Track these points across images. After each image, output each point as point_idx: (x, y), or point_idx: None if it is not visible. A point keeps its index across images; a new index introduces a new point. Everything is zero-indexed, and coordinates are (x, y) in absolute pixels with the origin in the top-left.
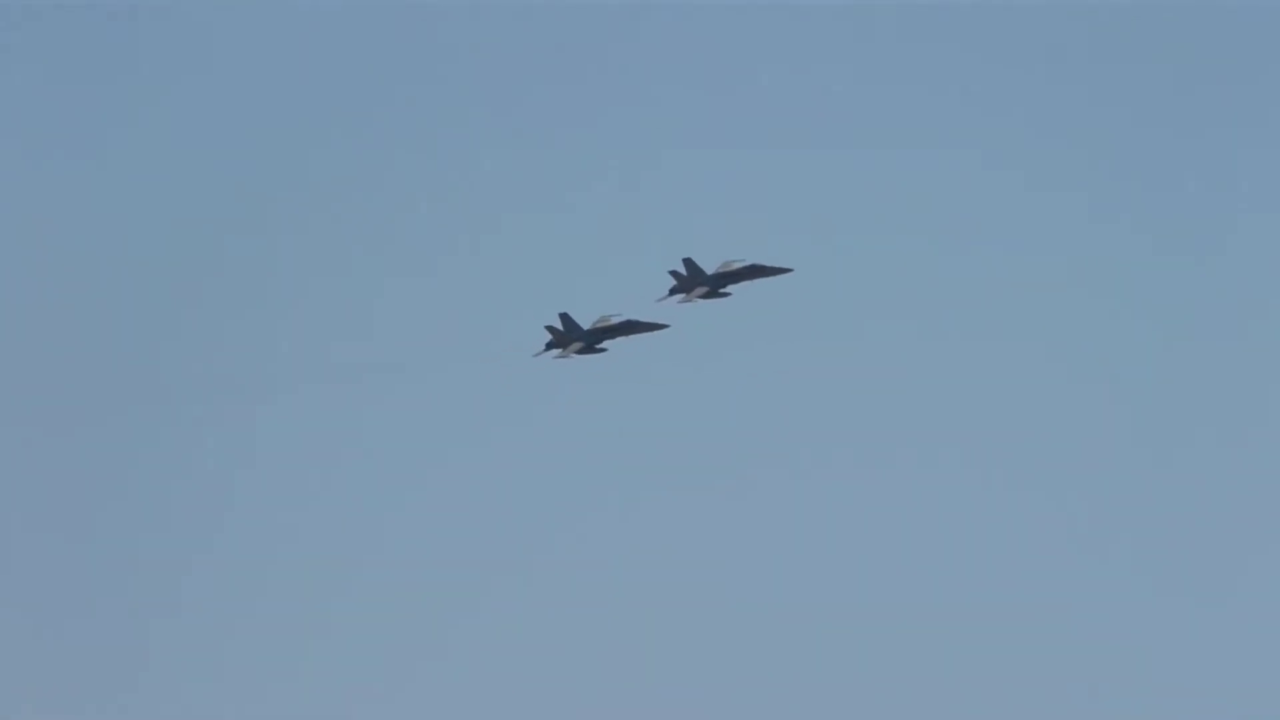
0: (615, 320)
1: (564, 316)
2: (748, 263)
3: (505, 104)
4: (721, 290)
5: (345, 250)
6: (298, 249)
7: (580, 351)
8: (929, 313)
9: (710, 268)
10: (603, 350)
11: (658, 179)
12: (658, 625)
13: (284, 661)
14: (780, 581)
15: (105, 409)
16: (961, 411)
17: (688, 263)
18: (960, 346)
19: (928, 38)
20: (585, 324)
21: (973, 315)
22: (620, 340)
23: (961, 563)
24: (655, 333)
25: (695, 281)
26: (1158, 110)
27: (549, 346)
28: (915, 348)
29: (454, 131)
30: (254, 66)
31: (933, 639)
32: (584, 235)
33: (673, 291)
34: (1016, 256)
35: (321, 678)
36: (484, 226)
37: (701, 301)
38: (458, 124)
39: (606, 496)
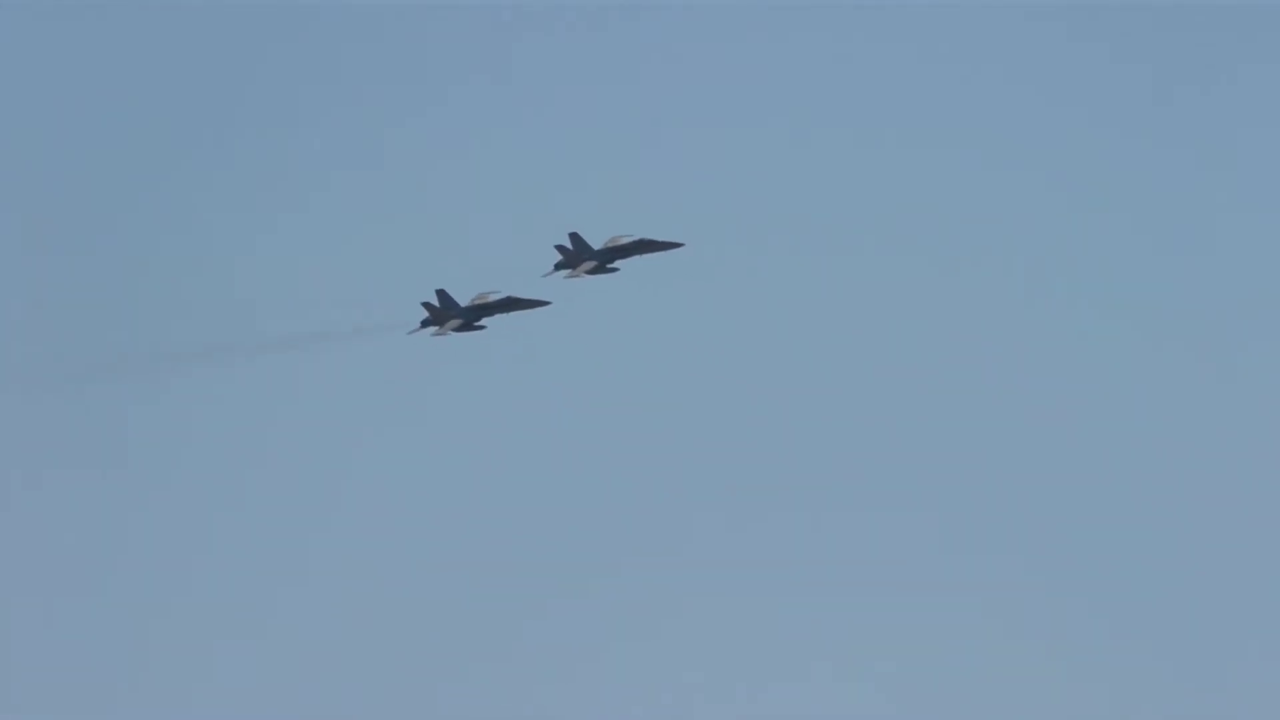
0: (494, 297)
1: (440, 293)
2: (636, 237)
3: (397, 65)
4: (609, 265)
5: (216, 212)
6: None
7: (458, 329)
8: (825, 281)
9: (598, 243)
10: (481, 328)
11: (543, 149)
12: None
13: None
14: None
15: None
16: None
17: (574, 237)
18: (845, 325)
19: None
20: (463, 301)
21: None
22: (500, 317)
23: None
24: (537, 309)
25: (582, 257)
26: (1153, 105)
27: (424, 324)
28: (806, 323)
29: (338, 85)
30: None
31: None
32: (462, 207)
33: (558, 267)
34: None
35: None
36: (358, 193)
37: (588, 277)
38: (346, 78)
39: (482, 482)
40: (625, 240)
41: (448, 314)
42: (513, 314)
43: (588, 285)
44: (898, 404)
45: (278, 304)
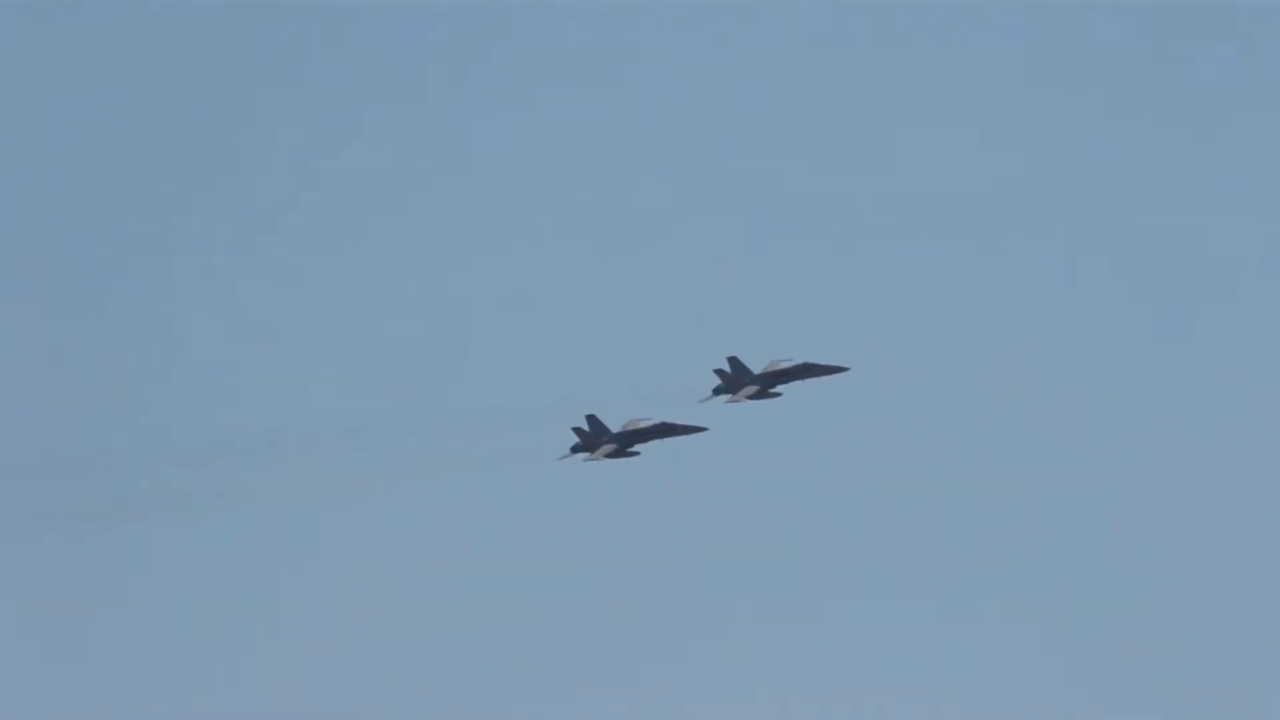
0: (646, 423)
1: (591, 418)
2: (799, 361)
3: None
4: (772, 390)
5: (363, 328)
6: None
7: (610, 455)
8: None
9: (758, 368)
10: (635, 454)
11: (695, 270)
12: None
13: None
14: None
15: None
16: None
17: (733, 361)
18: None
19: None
20: (614, 428)
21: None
22: (654, 444)
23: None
24: (693, 435)
25: (742, 381)
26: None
27: (574, 449)
28: (989, 458)
29: (474, 203)
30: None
31: None
32: (613, 331)
33: (717, 392)
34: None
35: None
36: (503, 318)
37: (749, 402)
38: (479, 195)
39: (636, 612)
40: (787, 364)
41: (599, 440)
42: (668, 440)
43: (748, 410)
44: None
45: (427, 423)
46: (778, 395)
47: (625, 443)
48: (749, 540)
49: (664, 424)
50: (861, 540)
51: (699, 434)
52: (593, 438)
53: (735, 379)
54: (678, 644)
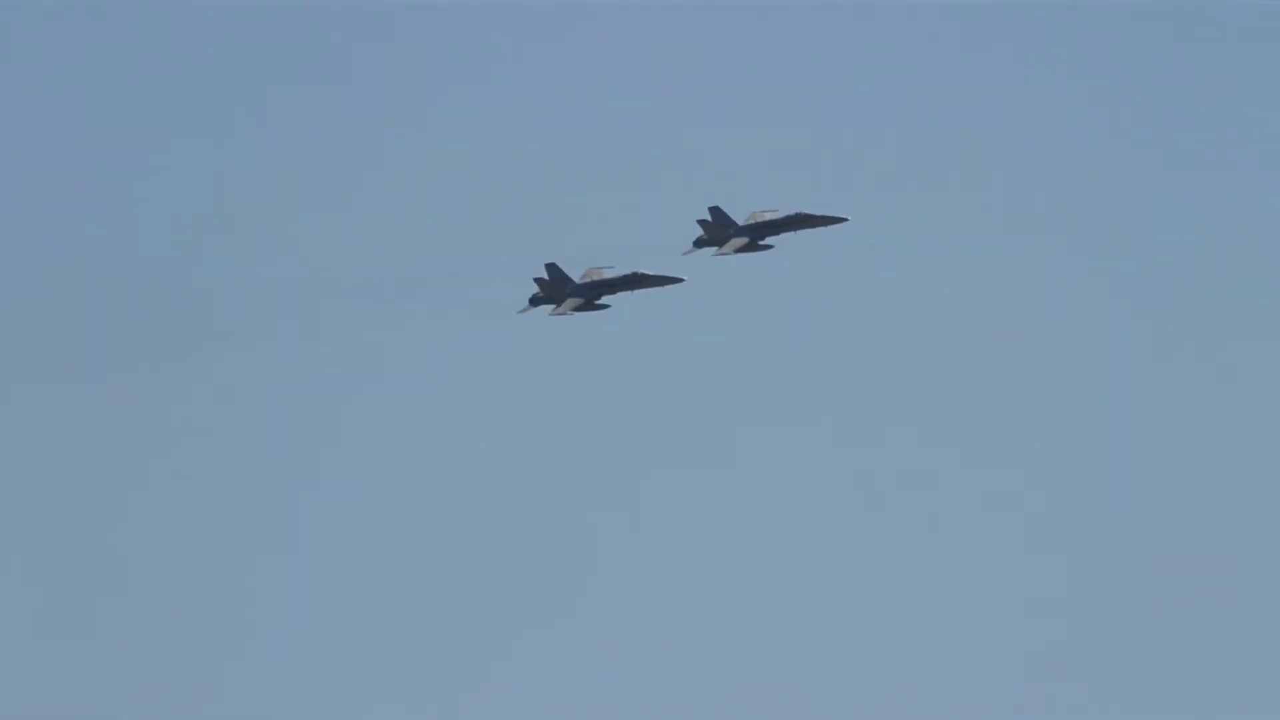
0: (610, 273)
1: (551, 267)
2: (791, 211)
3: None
4: (762, 242)
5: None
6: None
7: (578, 308)
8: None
9: (741, 218)
10: (605, 307)
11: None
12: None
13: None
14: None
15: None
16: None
17: (715, 211)
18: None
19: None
20: (574, 276)
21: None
22: (625, 296)
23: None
24: (669, 287)
25: (727, 233)
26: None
27: (534, 300)
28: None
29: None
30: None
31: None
32: (582, 178)
33: (699, 244)
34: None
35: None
36: (457, 162)
37: (739, 255)
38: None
39: (597, 486)
40: (775, 215)
41: (562, 291)
42: (641, 291)
43: (735, 263)
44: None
45: (377, 269)
46: (769, 248)
47: (593, 294)
48: (732, 408)
49: (636, 274)
50: (854, 417)
51: (675, 285)
52: (554, 288)
53: (719, 230)
54: (646, 522)
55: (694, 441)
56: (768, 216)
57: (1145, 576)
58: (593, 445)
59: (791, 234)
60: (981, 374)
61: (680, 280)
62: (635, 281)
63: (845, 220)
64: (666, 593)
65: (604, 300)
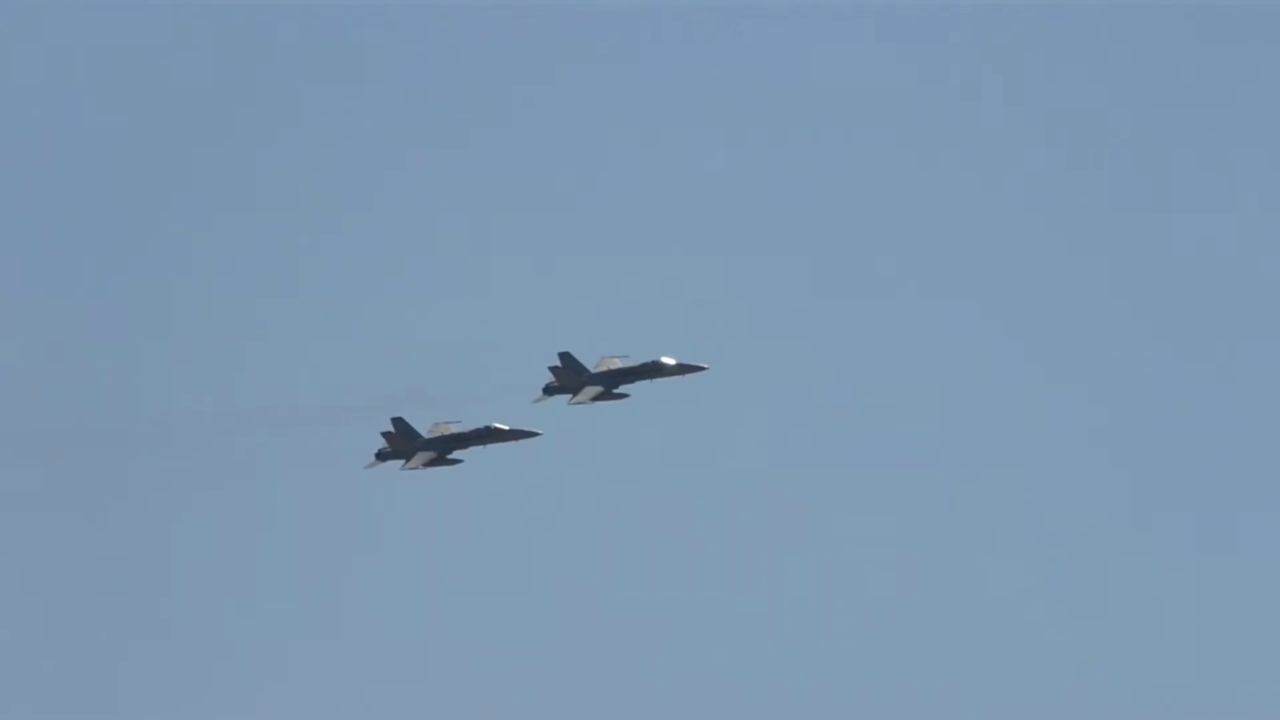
0: (458, 427)
1: (398, 421)
2: (647, 360)
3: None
4: (616, 391)
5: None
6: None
7: (430, 463)
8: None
9: (589, 364)
10: (457, 462)
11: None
12: None
13: None
14: None
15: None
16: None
17: (565, 357)
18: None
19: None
20: (422, 429)
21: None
22: (477, 450)
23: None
24: (523, 441)
25: (581, 380)
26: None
27: (381, 456)
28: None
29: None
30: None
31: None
32: (419, 318)
33: (549, 391)
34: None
35: None
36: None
37: (595, 404)
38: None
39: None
40: (627, 362)
41: (410, 445)
42: (495, 446)
43: (590, 413)
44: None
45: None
46: (624, 396)
47: (444, 448)
48: (593, 564)
49: (489, 428)
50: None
51: (531, 439)
52: (402, 442)
53: (571, 377)
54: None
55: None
56: (619, 364)
57: (1149, 576)
58: (443, 607)
59: (648, 382)
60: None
61: (536, 434)
62: (488, 436)
63: (704, 369)
64: None
65: (456, 455)
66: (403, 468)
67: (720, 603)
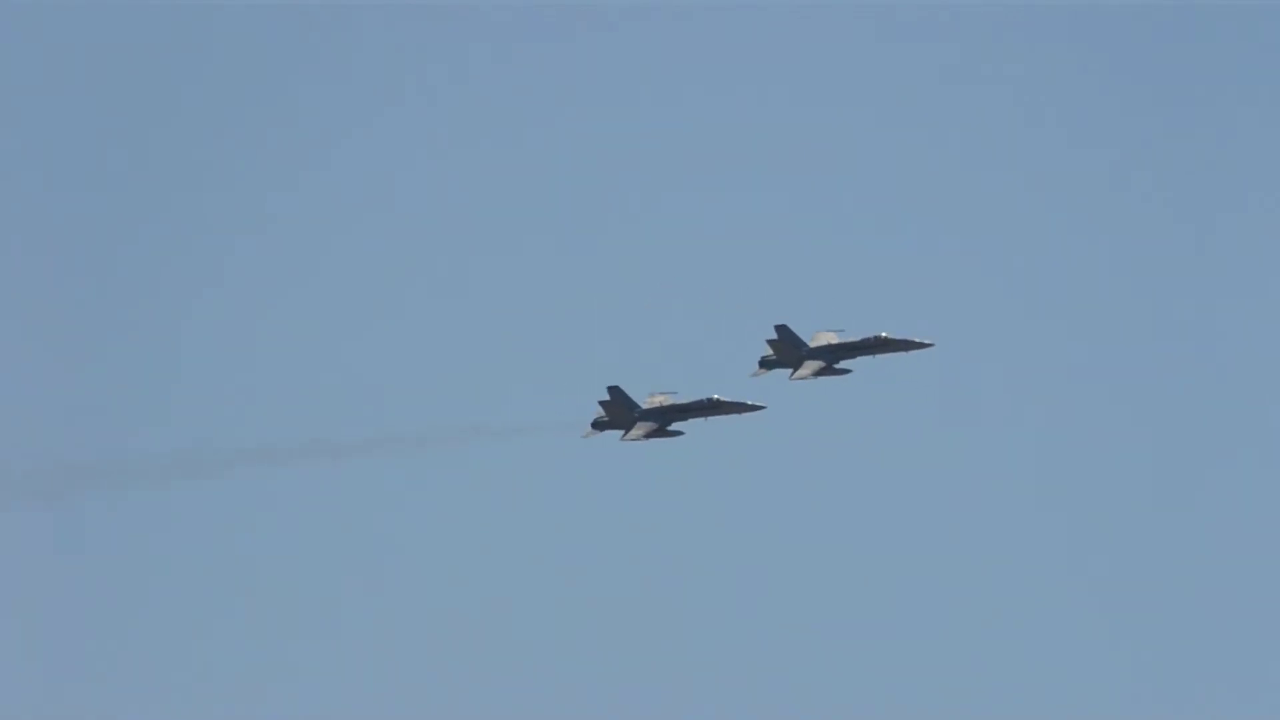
0: (676, 399)
1: (614, 390)
2: (872, 335)
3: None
4: (838, 366)
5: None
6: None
7: (650, 434)
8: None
9: (806, 337)
10: (677, 434)
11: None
12: None
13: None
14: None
15: None
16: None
17: (782, 330)
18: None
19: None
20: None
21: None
22: (697, 423)
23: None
24: (745, 414)
25: (800, 354)
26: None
27: (597, 425)
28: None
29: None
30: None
31: None
32: (639, 293)
33: (764, 365)
34: None
35: None
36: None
37: (817, 379)
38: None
39: (671, 619)
40: (844, 337)
41: (629, 415)
42: (715, 419)
43: (813, 389)
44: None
45: (433, 396)
46: (847, 372)
47: (664, 419)
48: (814, 541)
49: (711, 399)
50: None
51: (754, 413)
52: (620, 412)
53: (789, 351)
54: (718, 655)
55: (766, 582)
56: (836, 338)
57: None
58: (665, 578)
59: (870, 358)
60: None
61: (760, 407)
62: (710, 408)
63: (930, 345)
64: None
65: (676, 427)
66: (622, 438)
67: (943, 591)
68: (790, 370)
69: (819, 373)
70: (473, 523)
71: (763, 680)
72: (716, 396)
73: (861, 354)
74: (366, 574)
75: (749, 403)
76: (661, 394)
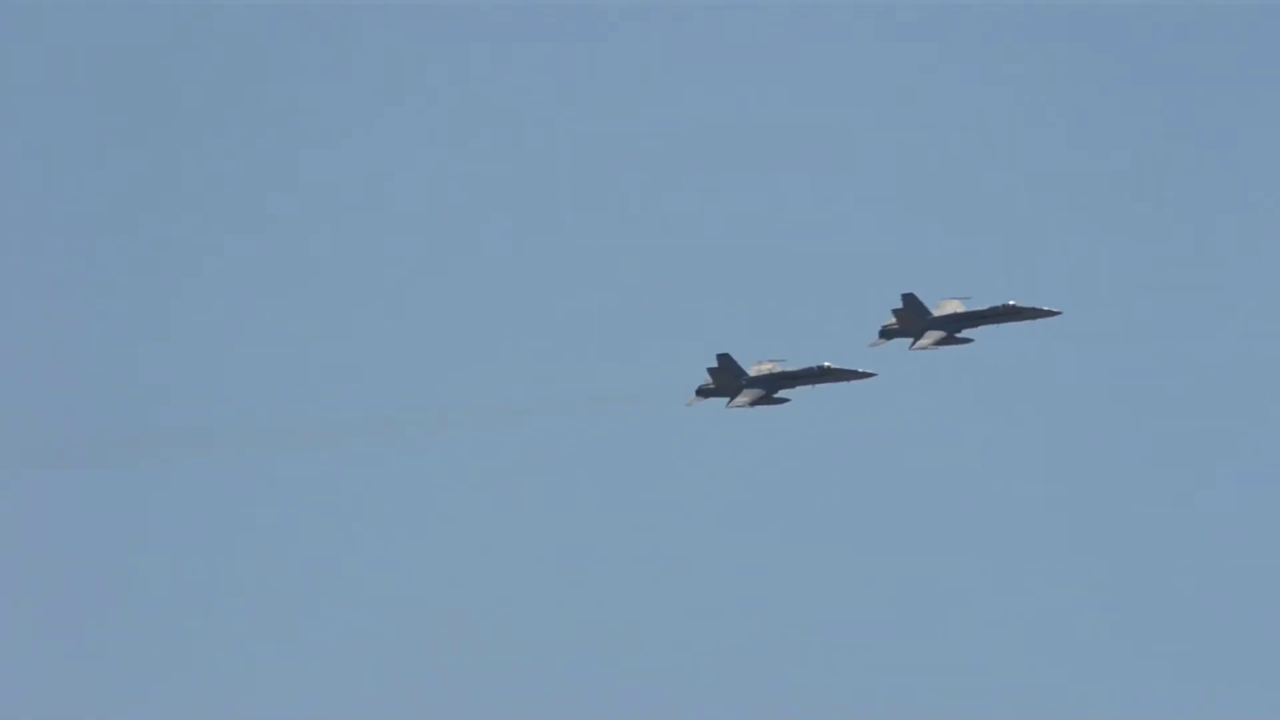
0: (782, 366)
1: (723, 358)
2: (1001, 303)
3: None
4: (959, 335)
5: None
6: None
7: (757, 401)
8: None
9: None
10: (784, 401)
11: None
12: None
13: None
14: None
15: None
16: None
17: (908, 298)
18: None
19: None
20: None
21: None
22: (805, 390)
23: None
24: (858, 382)
25: (923, 323)
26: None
27: (702, 392)
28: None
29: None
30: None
31: None
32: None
33: (885, 334)
34: None
35: None
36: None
37: (940, 349)
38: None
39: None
40: (971, 306)
41: (735, 382)
42: (823, 386)
43: (931, 359)
44: None
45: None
46: (969, 341)
47: (772, 386)
48: (921, 511)
49: (821, 367)
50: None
51: (865, 380)
52: (726, 379)
53: (912, 320)
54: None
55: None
56: (961, 306)
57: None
58: (769, 546)
59: (994, 327)
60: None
61: (871, 375)
62: (819, 375)
63: (1058, 314)
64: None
65: (783, 394)
66: (728, 405)
67: (1052, 565)
68: (912, 340)
69: (940, 342)
70: (577, 491)
71: (880, 648)
72: (826, 364)
73: (986, 322)
74: (471, 543)
75: (860, 370)
76: (770, 361)
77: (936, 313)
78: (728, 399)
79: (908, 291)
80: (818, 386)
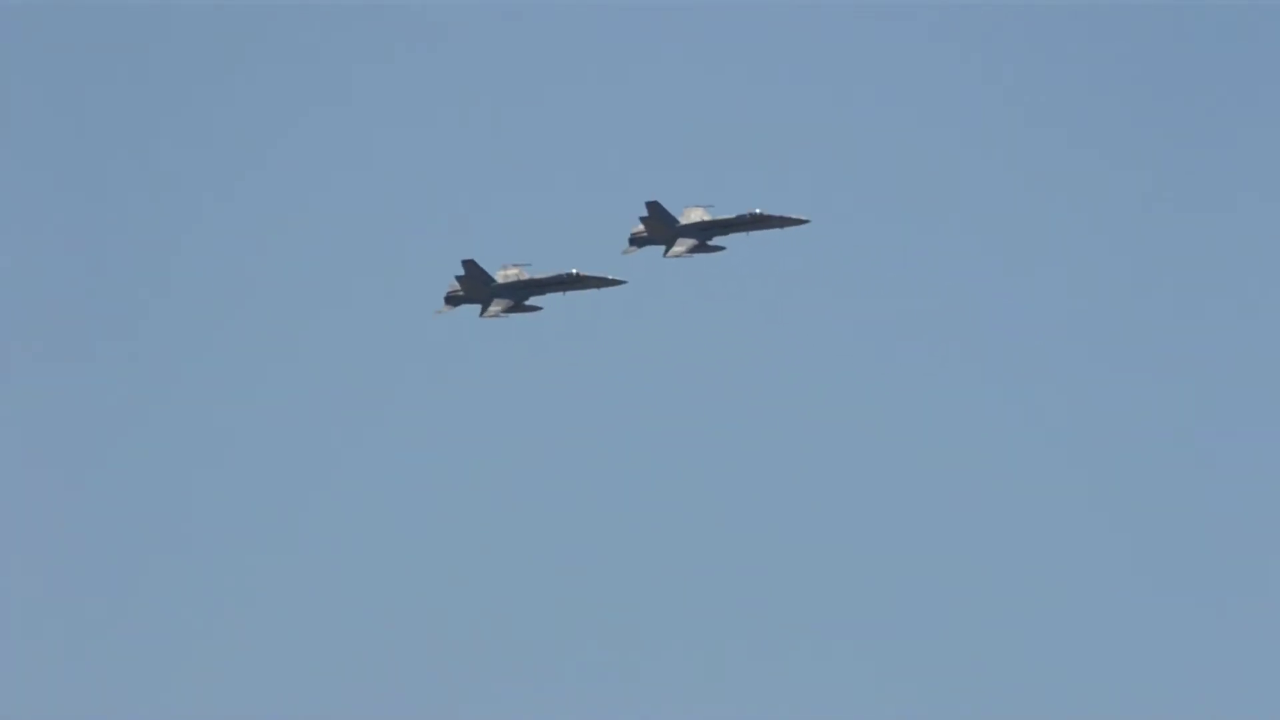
0: (530, 273)
1: (470, 264)
2: (746, 211)
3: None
4: (710, 243)
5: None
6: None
7: (508, 310)
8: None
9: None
10: (535, 309)
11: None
12: None
13: None
14: None
15: None
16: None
17: (653, 207)
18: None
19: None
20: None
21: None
22: (555, 297)
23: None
24: (607, 289)
25: (669, 231)
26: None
27: (450, 300)
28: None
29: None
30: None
31: None
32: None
33: (636, 242)
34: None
35: None
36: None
37: (690, 256)
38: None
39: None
40: (706, 214)
41: (484, 289)
42: (574, 294)
43: (682, 266)
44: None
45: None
46: (720, 249)
47: (521, 295)
48: (674, 423)
49: (571, 274)
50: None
51: (615, 287)
52: (475, 286)
53: (661, 228)
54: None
55: (634, 459)
56: (706, 215)
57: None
58: (528, 454)
59: (744, 235)
60: (947, 387)
61: (621, 282)
62: (569, 282)
63: (806, 222)
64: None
65: (534, 302)
66: (481, 315)
67: (808, 472)
68: (665, 248)
69: (693, 250)
70: (312, 411)
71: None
72: (575, 270)
73: (735, 230)
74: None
75: (610, 277)
76: (515, 266)
77: (683, 220)
78: (480, 306)
79: (652, 199)
80: (568, 294)
